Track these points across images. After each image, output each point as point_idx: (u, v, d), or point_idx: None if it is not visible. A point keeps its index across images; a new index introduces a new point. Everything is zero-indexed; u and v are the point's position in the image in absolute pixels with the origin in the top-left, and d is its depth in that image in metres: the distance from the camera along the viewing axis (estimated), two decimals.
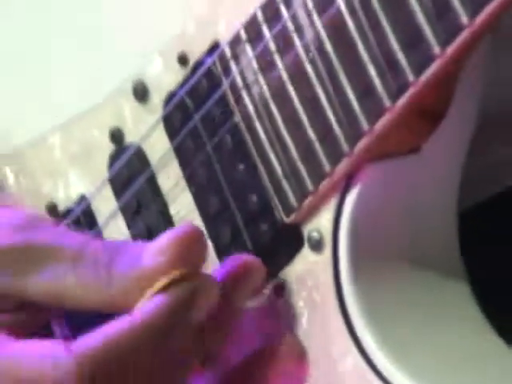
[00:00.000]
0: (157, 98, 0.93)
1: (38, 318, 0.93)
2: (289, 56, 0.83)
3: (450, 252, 0.93)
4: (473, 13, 0.77)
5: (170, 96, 0.93)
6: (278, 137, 0.86)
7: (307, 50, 0.83)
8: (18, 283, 0.88)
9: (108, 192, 0.98)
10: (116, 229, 1.01)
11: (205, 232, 0.91)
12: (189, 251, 0.85)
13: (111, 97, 0.96)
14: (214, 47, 0.89)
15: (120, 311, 0.86)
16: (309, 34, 0.83)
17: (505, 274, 1.06)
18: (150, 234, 0.98)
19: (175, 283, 0.85)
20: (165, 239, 0.86)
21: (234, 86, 0.88)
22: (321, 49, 0.82)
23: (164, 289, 0.84)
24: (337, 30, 0.82)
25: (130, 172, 0.96)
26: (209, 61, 0.89)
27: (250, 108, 0.86)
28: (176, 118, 0.92)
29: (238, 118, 0.88)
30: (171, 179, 0.94)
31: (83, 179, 1.00)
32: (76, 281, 0.87)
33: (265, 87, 0.86)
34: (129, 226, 1.00)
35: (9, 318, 0.91)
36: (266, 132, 0.87)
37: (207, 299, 0.86)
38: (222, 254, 0.93)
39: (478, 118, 0.90)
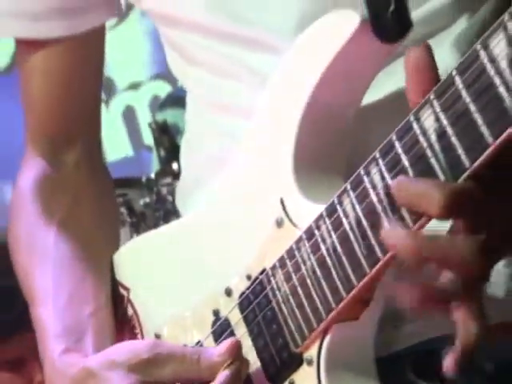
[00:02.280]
0: (236, 295, 0.95)
1: None
2: (298, 274, 0.87)
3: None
4: None
5: (242, 294, 0.94)
6: (293, 312, 0.88)
7: (308, 271, 0.85)
8: (157, 376, 0.93)
9: (211, 339, 0.99)
10: None
11: (257, 356, 0.95)
12: (236, 350, 0.90)
13: (213, 294, 0.98)
14: (263, 271, 0.91)
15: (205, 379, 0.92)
16: (308, 263, 0.85)
17: None
18: None
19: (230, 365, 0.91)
20: (225, 346, 0.91)
21: (272, 289, 0.90)
22: (314, 271, 0.85)
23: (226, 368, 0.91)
24: (323, 262, 0.84)
25: (222, 329, 0.97)
26: (260, 277, 0.91)
27: (280, 298, 0.90)
28: (244, 303, 0.94)
29: (274, 303, 0.90)
30: (241, 332, 0.95)
31: (199, 334, 1.01)
32: (187, 369, 0.93)
33: (287, 289, 0.89)
34: None
35: None
36: (287, 309, 0.89)
37: (246, 368, 0.92)
38: (265, 367, 0.94)
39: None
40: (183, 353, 0.93)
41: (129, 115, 4.36)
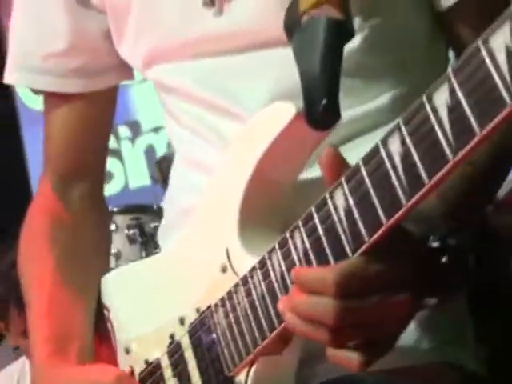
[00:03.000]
0: (187, 324, 0.93)
1: None
2: (234, 313, 0.86)
3: None
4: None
5: (191, 323, 0.92)
6: (228, 343, 0.87)
7: (241, 311, 0.85)
8: None
9: (166, 358, 0.97)
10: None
11: (198, 375, 0.92)
12: None
13: (170, 321, 0.95)
14: (209, 307, 0.90)
15: None
16: (242, 305, 0.85)
17: None
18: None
19: None
20: None
21: (214, 322, 0.89)
22: (246, 312, 0.84)
23: None
24: (253, 305, 0.84)
25: (175, 350, 0.96)
26: (206, 312, 0.91)
27: (219, 331, 0.89)
28: (192, 332, 0.92)
29: (214, 334, 0.89)
30: (189, 354, 0.93)
31: (158, 352, 0.98)
32: None
33: (225, 324, 0.87)
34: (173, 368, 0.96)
35: None
36: (224, 340, 0.88)
37: None
38: None
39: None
40: None
41: (150, 152, 4.53)
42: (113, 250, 2.88)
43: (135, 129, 4.62)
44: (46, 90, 1.13)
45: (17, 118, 4.58)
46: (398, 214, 0.67)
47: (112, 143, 4.45)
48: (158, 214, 3.03)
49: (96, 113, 1.15)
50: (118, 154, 4.60)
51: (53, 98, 1.13)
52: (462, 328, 0.99)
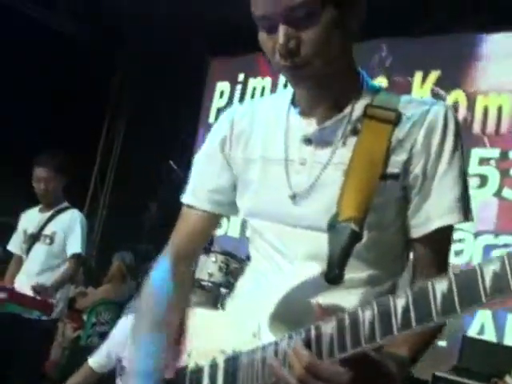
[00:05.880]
0: (226, 354, 0.95)
1: None
2: (248, 361, 0.88)
3: None
4: None
5: (228, 355, 0.93)
6: (244, 375, 0.87)
7: (256, 363, 0.87)
8: None
9: (208, 369, 0.97)
10: None
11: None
12: None
13: (216, 350, 0.96)
14: (240, 352, 0.92)
15: None
16: (257, 360, 0.88)
17: None
18: None
19: None
20: None
21: (240, 361, 0.90)
22: (261, 365, 0.87)
23: None
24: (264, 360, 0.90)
25: (214, 365, 0.96)
26: (237, 353, 0.93)
27: (241, 366, 0.89)
28: (226, 360, 0.93)
29: (239, 367, 0.90)
30: (220, 372, 0.93)
31: (205, 363, 0.98)
32: None
33: (245, 363, 0.89)
34: (209, 376, 0.97)
35: None
36: (242, 372, 0.88)
37: None
38: None
39: None
40: None
41: (244, 222, 4.96)
42: (209, 271, 3.32)
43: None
44: (191, 205, 1.21)
45: None
46: (357, 349, 0.76)
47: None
48: (240, 261, 3.47)
49: (209, 223, 1.21)
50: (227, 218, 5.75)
51: (190, 206, 1.22)
52: None
